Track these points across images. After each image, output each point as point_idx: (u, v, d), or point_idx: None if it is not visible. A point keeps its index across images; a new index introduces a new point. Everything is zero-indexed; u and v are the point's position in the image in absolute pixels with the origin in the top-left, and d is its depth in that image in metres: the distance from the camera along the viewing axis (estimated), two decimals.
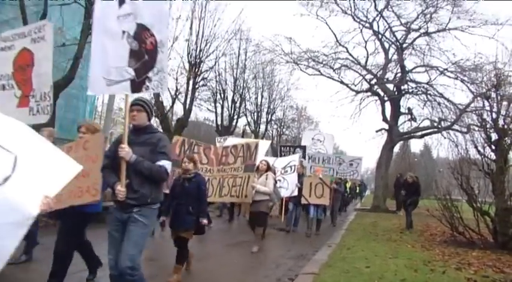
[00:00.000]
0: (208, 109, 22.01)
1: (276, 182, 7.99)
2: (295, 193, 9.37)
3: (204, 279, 4.71)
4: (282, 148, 14.01)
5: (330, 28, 19.20)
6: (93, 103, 33.86)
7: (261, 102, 24.90)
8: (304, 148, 12.89)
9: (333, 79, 19.61)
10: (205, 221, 4.66)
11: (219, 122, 21.58)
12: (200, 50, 15.97)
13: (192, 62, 15.87)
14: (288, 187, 9.36)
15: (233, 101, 22.07)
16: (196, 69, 16.02)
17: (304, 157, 11.81)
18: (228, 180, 6.65)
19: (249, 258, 6.32)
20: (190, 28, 15.83)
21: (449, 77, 18.12)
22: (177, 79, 15.76)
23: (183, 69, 15.73)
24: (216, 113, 21.53)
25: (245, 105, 23.64)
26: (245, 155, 6.80)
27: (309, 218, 9.57)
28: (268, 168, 7.12)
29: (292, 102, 28.88)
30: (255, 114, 24.70)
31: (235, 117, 22.02)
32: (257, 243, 6.80)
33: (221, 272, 5.21)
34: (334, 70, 19.29)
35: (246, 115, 23.97)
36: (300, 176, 9.76)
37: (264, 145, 10.64)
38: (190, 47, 15.88)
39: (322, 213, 9.88)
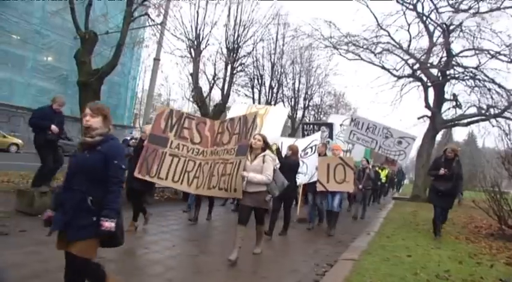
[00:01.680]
0: (246, 95, 22.11)
1: (277, 164, 6.40)
2: (315, 178, 7.70)
3: (243, 263, 4.78)
4: (305, 127, 12.08)
5: (371, 11, 18.51)
6: (134, 89, 35.15)
7: (299, 88, 24.70)
8: (331, 126, 10.97)
9: (373, 64, 18.96)
10: (107, 224, 2.47)
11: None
12: (238, 36, 15.97)
13: (230, 48, 15.91)
14: (307, 172, 7.90)
15: (270, 87, 22.03)
16: (234, 55, 16.05)
17: (331, 137, 10.35)
18: (218, 167, 5.11)
19: (286, 243, 6.35)
20: (228, 14, 15.85)
21: (502, 60, 16.94)
22: (215, 64, 15.88)
23: (221, 54, 15.81)
24: (253, 98, 21.58)
25: (282, 91, 23.56)
26: (241, 132, 5.13)
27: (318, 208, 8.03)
28: (266, 146, 4.94)
29: (330, 88, 28.45)
30: (292, 100, 24.54)
31: (273, 102, 21.95)
32: (259, 243, 5.31)
33: (259, 255, 5.27)
34: (375, 55, 18.60)
35: (283, 101, 23.89)
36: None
37: (276, 114, 8.51)
38: (228, 33, 15.92)
39: (339, 205, 7.46)
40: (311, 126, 11.73)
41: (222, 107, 16.13)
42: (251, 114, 5.22)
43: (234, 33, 16.05)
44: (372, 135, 9.69)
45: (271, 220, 6.42)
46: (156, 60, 11.85)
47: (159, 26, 12.03)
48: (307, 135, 10.36)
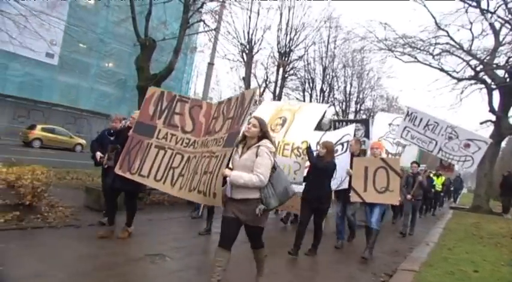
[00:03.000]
0: (297, 98, 22.05)
1: (306, 166, 5.61)
2: (345, 185, 6.08)
3: (300, 269, 4.73)
4: (337, 124, 10.13)
5: (428, 11, 17.75)
6: (187, 94, 36.32)
7: (350, 91, 24.23)
8: (366, 123, 8.80)
9: (431, 66, 18.06)
10: None
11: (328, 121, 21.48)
12: (290, 39, 16.00)
13: (282, 51, 15.98)
14: (335, 175, 5.83)
15: (321, 90, 21.83)
16: (286, 59, 16.09)
17: (367, 136, 8.33)
18: (203, 163, 3.86)
19: (340, 250, 6.20)
20: (280, 18, 15.93)
21: None
22: (267, 68, 16.01)
23: (273, 58, 15.93)
24: (304, 102, 21.45)
25: (333, 95, 23.27)
26: (235, 115, 3.83)
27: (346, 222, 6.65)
28: (265, 134, 3.40)
29: (382, 91, 27.57)
30: (344, 103, 24.09)
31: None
32: (261, 273, 3.75)
33: (315, 261, 5.19)
34: (433, 56, 17.72)
35: (334, 104, 23.55)
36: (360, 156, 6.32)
37: (312, 110, 6.54)
38: (280, 37, 15.99)
39: (379, 220, 5.74)
40: (343, 123, 9.84)
41: None
42: (249, 92, 3.90)
43: (286, 37, 16.10)
44: (431, 134, 7.70)
45: (298, 234, 5.26)
46: (210, 64, 12.17)
47: (213, 32, 12.39)
48: None
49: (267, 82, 15.95)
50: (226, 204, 3.33)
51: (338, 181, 6.06)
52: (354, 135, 7.26)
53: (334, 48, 21.76)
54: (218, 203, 3.34)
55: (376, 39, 18.16)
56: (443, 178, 15.87)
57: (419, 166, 8.88)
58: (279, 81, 16.17)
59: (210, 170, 3.59)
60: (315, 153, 5.56)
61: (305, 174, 5.71)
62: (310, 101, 21.56)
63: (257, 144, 3.29)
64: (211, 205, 5.42)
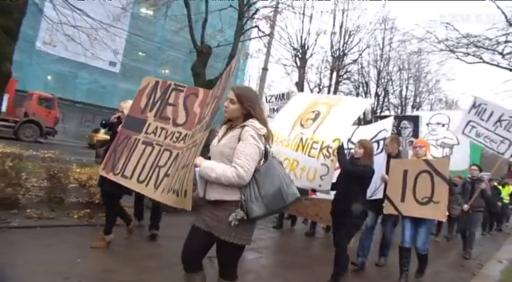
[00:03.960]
0: None
1: (335, 168, 4.39)
2: (379, 194, 4.88)
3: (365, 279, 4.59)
4: (379, 121, 8.08)
5: (497, 6, 16.47)
6: None
7: (406, 95, 23.25)
8: (415, 121, 7.11)
9: (499, 66, 16.79)
10: None
11: (361, 117, 20.94)
12: (344, 43, 15.74)
13: (335, 55, 15.75)
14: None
15: (376, 94, 21.17)
16: (340, 62, 15.84)
17: (415, 136, 6.76)
18: (185, 156, 3.11)
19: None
20: (334, 21, 15.73)
21: None
22: (320, 72, 15.87)
23: (326, 62, 15.75)
24: None
25: (388, 99, 22.43)
26: (220, 93, 2.96)
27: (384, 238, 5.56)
28: (249, 113, 2.41)
29: (441, 94, 26.15)
30: (399, 108, 23.16)
31: (379, 110, 21.03)
32: None
33: (375, 272, 5.02)
34: (502, 56, 16.47)
35: (389, 109, 22.72)
36: (398, 157, 5.16)
37: (351, 105, 5.10)
38: (334, 40, 15.78)
39: (426, 243, 4.64)
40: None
41: None
42: (232, 62, 3.22)
43: (340, 40, 15.86)
44: (503, 132, 6.08)
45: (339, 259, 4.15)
46: (264, 70, 12.31)
47: (266, 37, 12.51)
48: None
49: (320, 86, 15.80)
50: (201, 208, 2.47)
51: (372, 188, 4.74)
52: (399, 133, 6.54)
53: (390, 50, 21.07)
54: (187, 206, 2.44)
55: (436, 40, 17.25)
56: (511, 188, 13.63)
57: (480, 171, 7.22)
58: (333, 86, 15.94)
59: (187, 162, 2.77)
60: (347, 154, 4.59)
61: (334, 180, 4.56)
62: None
63: (242, 127, 2.35)
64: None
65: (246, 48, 19.53)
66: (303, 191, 5.04)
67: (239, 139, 2.31)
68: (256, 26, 11.75)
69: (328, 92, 15.96)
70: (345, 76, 17.59)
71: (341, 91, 20.04)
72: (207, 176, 2.30)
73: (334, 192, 4.43)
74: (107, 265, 3.76)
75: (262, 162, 2.37)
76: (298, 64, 14.74)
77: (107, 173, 3.90)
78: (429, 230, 4.71)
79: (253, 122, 2.34)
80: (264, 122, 2.39)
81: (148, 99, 4.02)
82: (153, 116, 3.91)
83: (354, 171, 4.16)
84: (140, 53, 26.53)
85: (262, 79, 12.15)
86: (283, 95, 8.03)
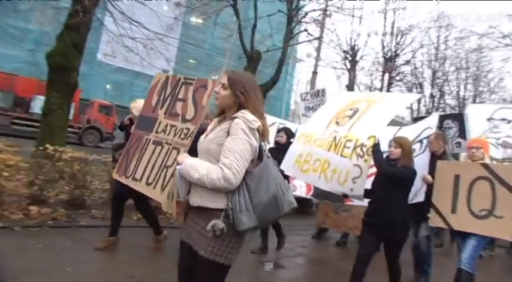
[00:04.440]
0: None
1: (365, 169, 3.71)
2: (421, 196, 4.16)
3: None
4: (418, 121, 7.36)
5: None
6: (289, 103, 37.03)
7: (464, 96, 21.87)
8: (460, 119, 6.31)
9: None
10: None
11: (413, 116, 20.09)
12: (397, 43, 15.22)
13: (387, 57, 15.27)
14: None
15: (431, 96, 20.17)
16: (392, 64, 15.33)
17: (462, 136, 6.07)
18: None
19: None
20: (385, 22, 15.28)
21: None
22: (371, 74, 15.48)
23: (377, 64, 15.33)
24: (411, 109, 20.11)
25: (444, 100, 21.28)
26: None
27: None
28: (240, 104, 2.01)
29: (505, 94, 24.30)
30: (457, 109, 21.87)
31: (434, 112, 20.03)
32: None
33: None
34: None
35: (444, 110, 21.54)
36: (444, 158, 4.32)
37: (394, 101, 4.46)
38: (385, 41, 15.33)
39: (474, 257, 3.66)
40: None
41: None
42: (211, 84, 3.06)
43: (392, 41, 15.35)
44: None
45: (354, 275, 3.57)
46: (314, 73, 12.24)
47: (316, 40, 12.44)
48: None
49: (372, 89, 15.38)
50: (186, 216, 2.13)
51: (413, 191, 4.04)
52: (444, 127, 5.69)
53: (445, 49, 20.01)
54: (171, 210, 2.40)
55: (501, 34, 16.11)
56: None
57: None
58: (385, 88, 15.45)
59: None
60: (385, 155, 3.95)
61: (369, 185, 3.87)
62: (418, 107, 20.09)
63: (232, 116, 1.97)
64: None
65: (294, 52, 19.55)
66: (338, 200, 4.80)
67: (228, 134, 1.91)
68: (305, 30, 11.74)
69: None
70: (397, 78, 16.97)
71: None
72: (188, 177, 1.92)
73: (368, 200, 3.81)
74: (165, 265, 3.93)
75: (255, 163, 1.95)
76: (348, 67, 14.48)
77: (119, 176, 3.77)
78: (481, 243, 3.74)
79: (244, 113, 1.94)
80: (259, 114, 1.99)
81: (159, 96, 3.78)
82: (163, 113, 3.64)
83: (393, 173, 3.54)
84: (191, 60, 27.51)
85: (312, 83, 12.08)
86: (318, 92, 7.73)
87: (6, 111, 16.29)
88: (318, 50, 12.31)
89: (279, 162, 4.31)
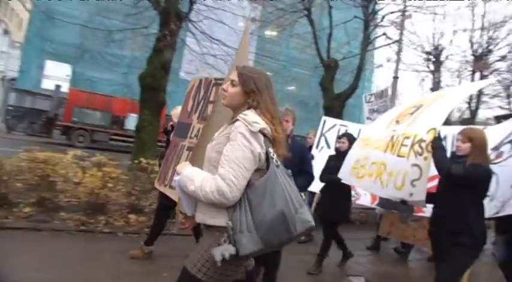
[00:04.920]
0: (500, 106, 18.67)
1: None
2: (510, 209, 3.37)
3: None
4: (502, 121, 5.94)
5: None
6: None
7: None
8: None
9: None
10: None
11: None
12: (489, 38, 13.85)
13: (477, 54, 13.97)
14: (496, 193, 3.48)
15: None
16: (483, 61, 13.99)
17: None
18: None
19: None
20: (473, 17, 14.03)
21: None
22: (459, 75, 14.29)
23: (466, 63, 14.11)
24: (509, 110, 18.00)
25: None
26: None
27: None
28: (250, 105, 1.81)
29: None
30: None
31: None
32: None
33: None
34: None
35: None
36: None
37: (461, 91, 4.10)
38: (474, 38, 14.06)
39: None
40: None
41: (471, 122, 14.24)
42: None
43: (482, 36, 14.03)
44: None
45: None
46: (395, 78, 11.69)
47: (395, 43, 11.90)
48: None
49: None
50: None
51: (498, 202, 3.40)
52: None
53: None
54: (176, 223, 2.08)
55: None
56: None
57: None
58: None
59: None
60: (449, 151, 3.35)
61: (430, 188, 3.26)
62: None
63: (234, 119, 1.75)
64: None
65: (372, 57, 18.89)
66: (408, 208, 4.19)
67: (230, 140, 1.69)
68: (383, 34, 11.30)
69: (470, 97, 14.17)
70: (491, 76, 15.37)
71: (486, 93, 17.60)
72: (185, 189, 1.72)
73: (432, 206, 3.20)
74: None
75: (262, 173, 1.69)
76: (432, 68, 13.54)
77: (159, 184, 3.72)
78: None
79: (246, 115, 1.69)
80: (270, 116, 1.74)
81: (193, 101, 3.66)
82: (197, 118, 3.50)
83: (457, 173, 2.79)
84: (268, 73, 28.03)
85: (394, 88, 11.54)
86: (382, 92, 7.30)
87: (105, 129, 18.34)
88: (398, 53, 11.75)
89: (338, 171, 4.15)
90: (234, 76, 1.81)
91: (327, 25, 10.89)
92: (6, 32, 25.27)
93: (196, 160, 2.10)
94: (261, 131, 1.67)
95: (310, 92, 28.44)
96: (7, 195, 5.11)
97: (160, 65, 7.71)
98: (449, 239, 2.85)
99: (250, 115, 1.69)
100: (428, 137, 3.02)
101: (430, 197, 3.03)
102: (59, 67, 22.13)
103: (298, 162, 3.36)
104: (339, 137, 5.07)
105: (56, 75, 22.00)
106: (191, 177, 1.70)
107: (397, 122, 3.73)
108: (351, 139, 4.71)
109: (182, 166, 1.81)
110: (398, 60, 11.83)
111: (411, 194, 3.09)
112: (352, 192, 5.20)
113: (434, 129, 3.03)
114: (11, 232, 4.44)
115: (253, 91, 1.76)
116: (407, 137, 3.31)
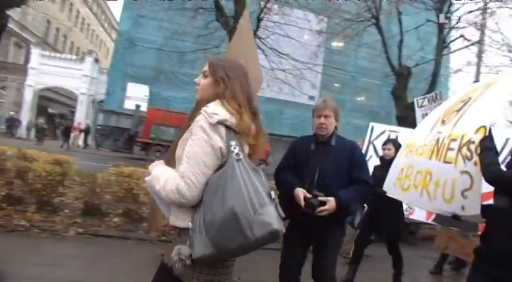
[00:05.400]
0: None
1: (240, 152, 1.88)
2: None
3: None
4: None
5: None
6: None
7: None
8: None
9: None
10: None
11: None
12: None
13: None
14: None
15: None
16: None
17: None
18: None
19: None
20: None
21: None
22: None
23: None
24: None
25: None
26: None
27: None
28: (208, 101, 1.65)
29: None
30: None
31: None
32: None
33: None
34: None
35: None
36: None
37: None
38: None
39: None
40: None
41: None
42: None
43: None
44: None
45: None
46: (476, 82, 10.81)
47: (474, 45, 11.03)
48: None
49: None
50: None
51: None
52: None
53: None
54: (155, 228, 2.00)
55: None
56: None
57: None
58: None
59: None
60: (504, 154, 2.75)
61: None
62: None
63: (197, 121, 1.58)
64: None
65: (447, 62, 17.70)
66: (471, 226, 3.37)
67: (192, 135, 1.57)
68: (461, 36, 10.57)
69: None
70: None
71: None
72: (153, 189, 1.61)
73: (485, 219, 2.50)
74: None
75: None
76: None
77: None
78: None
79: (208, 106, 1.55)
80: (236, 105, 1.58)
81: None
82: None
83: (505, 177, 2.20)
84: (336, 84, 27.83)
85: None
86: (436, 95, 6.51)
87: None
88: (479, 55, 10.86)
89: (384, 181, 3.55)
90: (206, 67, 1.70)
91: (397, 32, 10.52)
92: (96, 60, 28.25)
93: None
94: (222, 123, 1.51)
95: (381, 102, 27.47)
96: (100, 206, 5.67)
97: None
98: (497, 260, 2.15)
99: (212, 106, 1.55)
100: (478, 137, 2.52)
101: (485, 209, 2.38)
102: (139, 88, 24.20)
103: (347, 168, 2.74)
104: (384, 144, 4.58)
105: (136, 96, 24.06)
106: (158, 176, 1.58)
107: (443, 122, 3.15)
108: (397, 145, 4.25)
109: (154, 165, 1.70)
110: (479, 63, 10.93)
111: (463, 207, 2.50)
112: (405, 206, 4.60)
113: (484, 127, 2.52)
114: (104, 239, 4.89)
115: (222, 79, 1.62)
116: (454, 139, 2.76)
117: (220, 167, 1.50)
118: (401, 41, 10.45)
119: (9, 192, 5.30)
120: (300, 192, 2.56)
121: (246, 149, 1.61)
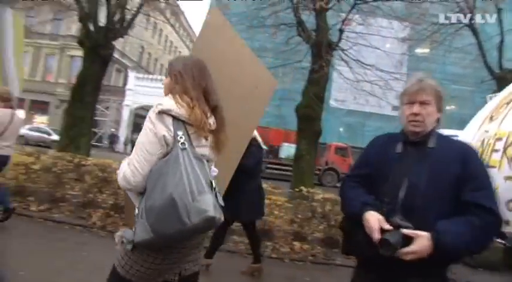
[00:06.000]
0: None
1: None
2: None
3: None
4: None
5: None
6: None
7: None
8: None
9: None
10: None
11: None
12: None
13: None
14: None
15: None
16: None
17: None
18: None
19: None
20: None
21: None
22: None
23: None
24: None
25: None
26: None
27: None
28: (179, 87, 1.70)
29: None
30: None
31: None
32: None
33: None
34: None
35: None
36: None
37: None
38: None
39: None
40: None
41: None
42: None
43: None
44: None
45: None
46: None
47: None
48: None
49: None
50: None
51: None
52: None
53: None
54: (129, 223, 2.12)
55: None
56: None
57: None
58: None
59: None
60: None
61: None
62: None
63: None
64: None
65: None
66: None
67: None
68: None
69: None
70: None
71: None
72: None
73: None
74: None
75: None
76: None
77: None
78: None
79: (159, 99, 1.62)
80: (187, 98, 1.60)
81: None
82: None
83: None
84: None
85: None
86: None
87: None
88: None
89: None
90: (168, 65, 1.78)
91: (492, 33, 9.59)
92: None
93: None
94: (166, 112, 1.54)
95: (474, 111, 24.58)
96: None
97: (315, 95, 7.99)
98: None
99: (162, 99, 1.61)
100: (494, 137, 2.11)
101: None
102: None
103: (454, 184, 1.58)
104: None
105: None
106: (122, 165, 1.63)
107: (491, 118, 2.64)
108: None
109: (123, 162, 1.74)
110: None
111: (507, 222, 1.95)
112: None
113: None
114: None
115: (175, 76, 1.69)
116: (499, 139, 2.28)
117: (167, 154, 1.53)
118: (501, 42, 9.49)
119: (115, 201, 5.83)
120: (374, 219, 1.59)
121: (203, 141, 1.64)
